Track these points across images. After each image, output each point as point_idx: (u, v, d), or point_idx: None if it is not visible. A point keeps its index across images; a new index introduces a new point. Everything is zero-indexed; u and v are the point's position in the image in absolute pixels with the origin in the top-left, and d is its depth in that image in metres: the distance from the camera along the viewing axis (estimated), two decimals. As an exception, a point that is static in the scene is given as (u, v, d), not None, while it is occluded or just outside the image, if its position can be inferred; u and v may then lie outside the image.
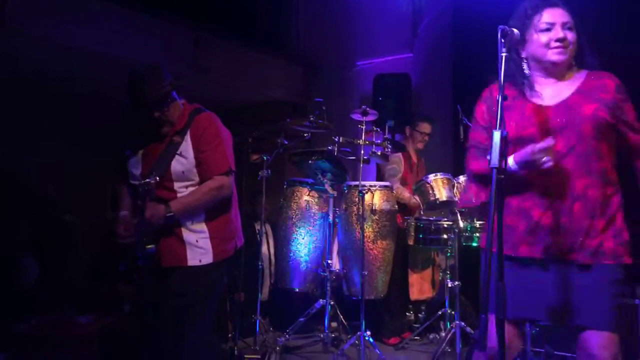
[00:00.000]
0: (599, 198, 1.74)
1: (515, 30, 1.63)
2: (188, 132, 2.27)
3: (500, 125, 1.52)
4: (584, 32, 1.85)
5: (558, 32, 1.80)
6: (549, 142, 1.67)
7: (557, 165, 1.73)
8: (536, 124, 1.78)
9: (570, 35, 1.81)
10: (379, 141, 3.65)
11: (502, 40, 1.60)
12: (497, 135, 1.49)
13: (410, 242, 3.88)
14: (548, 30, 1.80)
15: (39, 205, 4.94)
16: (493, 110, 1.83)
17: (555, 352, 3.38)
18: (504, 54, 1.59)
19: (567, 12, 1.83)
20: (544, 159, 1.67)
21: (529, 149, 1.68)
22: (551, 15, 1.81)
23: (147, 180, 2.14)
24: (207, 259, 2.25)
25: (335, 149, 3.64)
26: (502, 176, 1.49)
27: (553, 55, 1.80)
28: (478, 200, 2.11)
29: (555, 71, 1.85)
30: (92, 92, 5.13)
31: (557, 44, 1.80)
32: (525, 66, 1.87)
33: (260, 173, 3.92)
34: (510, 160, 1.75)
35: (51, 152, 5.04)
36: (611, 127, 1.78)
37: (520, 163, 1.72)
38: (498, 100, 1.55)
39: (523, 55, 1.87)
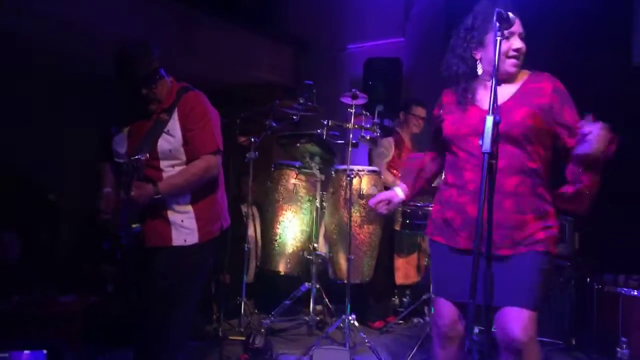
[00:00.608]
0: (529, 195, 1.83)
1: (511, 14, 1.61)
2: (176, 110, 2.22)
3: (493, 110, 1.50)
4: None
5: (517, 42, 1.85)
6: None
7: (491, 165, 1.77)
8: (471, 126, 1.86)
9: (524, 46, 1.87)
10: (368, 125, 3.63)
11: (497, 24, 1.58)
12: (489, 120, 1.47)
13: (397, 227, 3.88)
14: (507, 38, 1.82)
15: (22, 184, 4.87)
16: (439, 113, 2.03)
17: (546, 339, 3.47)
18: (499, 38, 1.57)
19: (519, 18, 1.85)
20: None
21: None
22: (517, 26, 1.84)
23: (138, 157, 2.10)
24: (193, 239, 2.22)
25: (324, 133, 3.62)
26: (494, 161, 1.47)
27: (509, 66, 1.86)
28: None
29: (504, 78, 1.90)
30: (76, 69, 5.03)
31: (514, 53, 1.85)
32: (479, 67, 1.91)
33: (247, 155, 3.89)
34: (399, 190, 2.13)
35: (35, 130, 4.95)
36: (543, 131, 1.83)
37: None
38: (492, 85, 1.53)
39: (476, 57, 1.91)
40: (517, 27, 1.84)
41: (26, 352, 2.40)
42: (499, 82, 1.86)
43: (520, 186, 1.82)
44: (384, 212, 2.22)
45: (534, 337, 1.78)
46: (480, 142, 1.49)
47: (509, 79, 1.91)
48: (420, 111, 4.28)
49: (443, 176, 3.25)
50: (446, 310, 1.94)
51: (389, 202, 2.21)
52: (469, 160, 1.87)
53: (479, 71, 1.91)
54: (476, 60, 1.91)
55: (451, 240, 1.93)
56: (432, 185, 3.58)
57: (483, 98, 1.91)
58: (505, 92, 1.89)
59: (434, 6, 5.24)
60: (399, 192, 2.22)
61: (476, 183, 1.80)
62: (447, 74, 1.97)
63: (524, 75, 1.93)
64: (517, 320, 1.75)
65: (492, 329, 1.86)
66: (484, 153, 1.47)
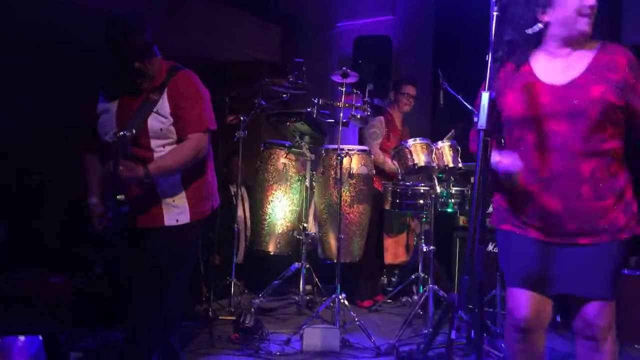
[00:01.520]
0: (606, 178, 1.72)
1: None
2: (165, 90, 2.18)
3: (489, 86, 1.48)
4: None
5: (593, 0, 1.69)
6: (518, 166, 1.69)
7: (564, 150, 1.70)
8: (544, 105, 1.72)
9: (596, 3, 1.71)
10: (359, 104, 3.60)
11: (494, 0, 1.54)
12: (485, 96, 1.45)
13: (387, 206, 3.88)
14: None
15: (7, 164, 4.79)
16: (497, 88, 1.76)
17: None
18: (495, 13, 1.54)
19: None
20: (511, 182, 1.72)
21: (503, 166, 1.72)
22: None
23: (123, 132, 2.04)
24: (184, 218, 2.20)
25: (315, 111, 3.58)
26: (489, 138, 1.46)
27: (583, 24, 1.70)
28: None
29: (577, 41, 1.75)
30: (61, 44, 4.91)
31: (588, 11, 1.69)
32: (538, 30, 1.75)
33: (236, 134, 3.84)
34: (496, 156, 1.75)
35: (19, 108, 4.84)
36: (620, 109, 1.71)
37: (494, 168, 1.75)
38: (488, 61, 1.50)
39: (546, 19, 1.74)
40: None
41: (21, 337, 2.37)
42: (564, 45, 1.74)
43: (597, 170, 1.70)
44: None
45: (613, 325, 1.77)
46: (475, 118, 1.47)
47: (580, 45, 1.75)
48: (411, 89, 4.26)
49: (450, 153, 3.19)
50: (524, 301, 1.80)
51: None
52: (536, 144, 1.72)
53: (546, 36, 1.76)
54: (542, 27, 1.74)
55: (522, 230, 1.81)
56: (425, 165, 3.60)
57: (548, 70, 1.76)
58: (576, 63, 1.74)
59: (424, -16, 5.19)
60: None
61: (548, 170, 1.70)
62: (507, 49, 1.79)
63: (595, 44, 1.76)
64: (602, 314, 1.73)
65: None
66: (479, 130, 1.45)
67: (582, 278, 1.73)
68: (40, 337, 2.32)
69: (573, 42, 1.74)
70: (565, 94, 1.70)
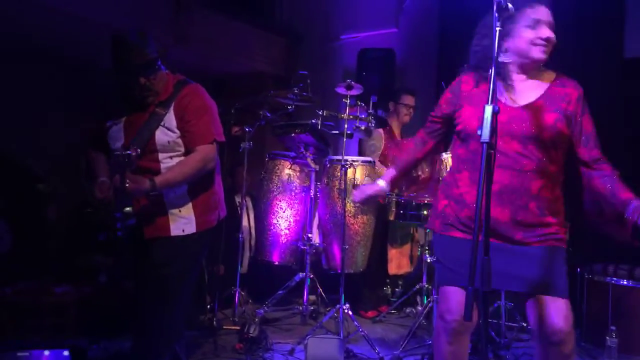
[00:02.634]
0: (550, 198, 1.86)
1: (510, 5, 1.61)
2: (172, 104, 2.21)
3: (492, 100, 1.51)
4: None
5: (545, 31, 1.82)
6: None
7: (517, 167, 1.82)
8: (500, 123, 1.78)
9: (553, 36, 1.84)
10: (363, 116, 3.63)
11: (497, 14, 1.58)
12: (488, 110, 1.48)
13: (391, 217, 3.90)
14: (534, 27, 1.82)
15: (12, 174, 4.83)
16: (453, 101, 1.96)
17: (529, 327, 3.48)
18: (498, 28, 1.57)
19: (549, 10, 1.85)
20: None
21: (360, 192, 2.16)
22: (539, 13, 1.83)
23: (128, 152, 2.08)
24: (191, 228, 2.23)
25: (319, 123, 3.62)
26: (493, 151, 1.49)
27: (536, 53, 1.83)
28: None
29: (531, 69, 1.89)
30: (66, 57, 4.97)
31: (542, 42, 1.82)
32: (503, 56, 1.89)
33: (241, 145, 3.88)
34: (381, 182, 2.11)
35: (25, 120, 4.89)
36: (567, 138, 1.86)
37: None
38: (491, 75, 1.54)
39: (505, 46, 1.88)
40: (545, 15, 1.83)
41: (46, 352, 2.39)
42: (521, 71, 1.88)
43: (543, 189, 1.84)
44: (356, 200, 2.24)
45: (572, 325, 1.81)
46: (479, 131, 1.49)
47: (535, 74, 1.90)
48: (410, 99, 4.29)
49: (444, 168, 3.25)
50: (457, 300, 1.87)
51: (379, 195, 2.20)
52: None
53: (506, 60, 1.89)
54: (502, 50, 1.89)
55: (466, 235, 1.90)
56: (428, 177, 3.62)
57: (508, 94, 1.89)
58: (532, 89, 1.89)
59: (427, -3, 5.24)
60: (381, 183, 2.17)
61: (501, 184, 1.80)
62: (474, 58, 1.94)
63: (552, 76, 1.92)
64: (560, 310, 1.78)
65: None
66: (482, 143, 1.48)
67: (532, 276, 1.80)
68: (68, 353, 2.35)
69: (528, 70, 1.89)
70: (520, 115, 1.83)
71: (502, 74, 1.88)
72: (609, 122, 1.77)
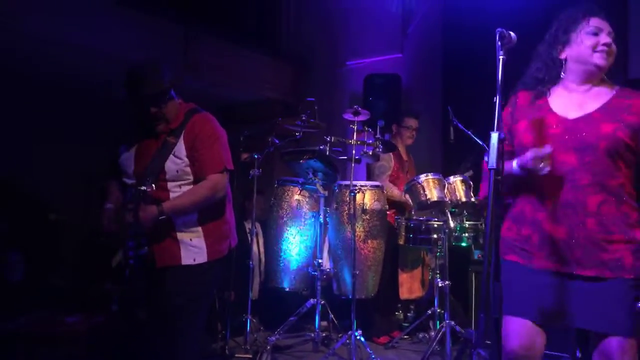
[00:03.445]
0: (614, 214, 1.75)
1: (512, 33, 1.64)
2: (182, 133, 2.25)
3: (497, 126, 1.53)
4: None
5: (605, 37, 1.82)
6: (547, 149, 1.71)
7: (572, 181, 1.76)
8: (555, 135, 1.80)
9: (614, 46, 1.85)
10: (371, 141, 3.66)
11: (499, 43, 1.61)
12: (494, 136, 1.50)
13: (401, 242, 3.90)
14: (595, 34, 1.83)
15: (24, 204, 4.88)
16: (512, 115, 1.91)
17: (552, 352, 3.43)
18: (501, 57, 1.60)
19: (608, 24, 1.86)
20: (542, 165, 1.71)
21: (530, 153, 1.73)
22: (599, 22, 1.85)
23: (143, 188, 2.12)
24: (201, 258, 2.24)
25: (327, 149, 3.65)
26: (500, 177, 1.50)
27: (598, 59, 1.82)
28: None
29: (593, 77, 1.86)
30: (80, 89, 5.08)
31: (604, 47, 1.82)
32: (563, 70, 1.88)
33: (251, 172, 3.91)
34: (514, 164, 1.80)
35: (37, 150, 4.97)
36: (630, 149, 1.78)
37: (522, 166, 1.77)
38: (495, 102, 1.56)
39: (562, 57, 1.88)
40: (605, 25, 1.84)
41: None
42: (582, 81, 1.85)
43: (603, 205, 1.75)
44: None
45: None
46: (485, 158, 1.51)
47: (597, 84, 1.87)
48: (413, 122, 4.32)
49: (451, 192, 3.21)
50: (518, 330, 1.80)
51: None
52: (548, 174, 1.75)
53: (562, 74, 1.88)
54: (562, 63, 1.88)
55: (526, 259, 1.84)
56: (438, 200, 3.62)
57: (563, 104, 1.86)
58: (593, 100, 1.85)
59: (431, 22, 5.32)
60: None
61: (555, 200, 1.75)
62: (531, 82, 1.94)
63: (614, 88, 1.87)
64: (623, 351, 1.72)
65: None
66: (490, 169, 1.49)
67: (596, 312, 1.73)
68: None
69: (590, 78, 1.85)
70: (575, 126, 1.79)
71: (555, 90, 1.88)
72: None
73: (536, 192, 1.82)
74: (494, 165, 1.48)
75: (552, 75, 1.90)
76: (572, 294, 1.75)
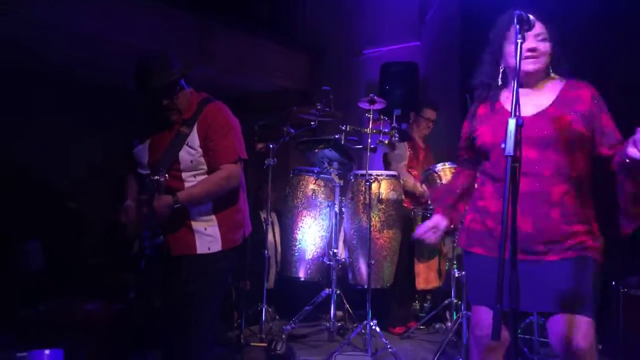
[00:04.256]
0: (576, 204, 1.80)
1: (531, 17, 1.60)
2: (196, 123, 2.25)
3: (515, 112, 1.49)
4: (561, 41, 1.89)
5: (530, 42, 1.82)
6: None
7: (535, 173, 1.79)
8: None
9: (543, 46, 1.85)
10: (387, 130, 3.62)
11: (518, 27, 1.57)
12: (512, 123, 1.46)
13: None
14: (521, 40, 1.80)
15: (44, 193, 4.95)
16: (471, 125, 2.00)
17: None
18: (519, 40, 1.56)
19: (541, 23, 1.85)
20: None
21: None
22: (536, 27, 1.81)
23: (157, 177, 2.13)
24: (216, 247, 2.24)
25: (342, 138, 3.62)
26: (517, 164, 1.46)
27: (526, 66, 1.84)
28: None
29: (530, 81, 1.90)
30: (96, 79, 5.12)
31: (529, 53, 1.83)
32: (499, 78, 1.94)
33: (266, 161, 3.91)
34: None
35: (57, 139, 5.03)
36: (587, 139, 1.82)
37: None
38: (513, 87, 1.52)
39: (502, 68, 1.93)
40: (536, 28, 1.81)
41: (46, 351, 2.45)
42: (523, 85, 1.88)
43: (566, 195, 1.79)
44: (434, 240, 2.13)
45: (594, 345, 1.75)
46: (502, 145, 1.48)
47: (536, 84, 1.91)
48: (431, 113, 4.26)
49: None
50: (487, 319, 1.81)
51: (435, 228, 2.10)
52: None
53: (499, 82, 1.94)
54: (505, 74, 1.93)
55: (492, 251, 1.85)
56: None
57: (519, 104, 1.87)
58: (541, 99, 1.89)
59: (449, 9, 5.22)
60: (440, 219, 2.11)
61: (521, 192, 1.70)
62: (482, 89, 2.01)
63: (561, 81, 1.91)
64: (579, 328, 1.72)
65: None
66: (507, 156, 1.46)
67: (554, 293, 1.75)
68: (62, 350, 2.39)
69: (530, 83, 1.90)
70: (533, 123, 1.82)
71: (502, 93, 1.95)
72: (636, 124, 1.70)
73: (500, 186, 1.81)
74: (511, 152, 1.45)
75: (497, 83, 1.96)
76: (529, 277, 1.75)
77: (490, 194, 1.91)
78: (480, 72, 2.01)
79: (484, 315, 1.86)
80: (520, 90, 1.83)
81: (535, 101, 1.88)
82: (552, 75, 1.92)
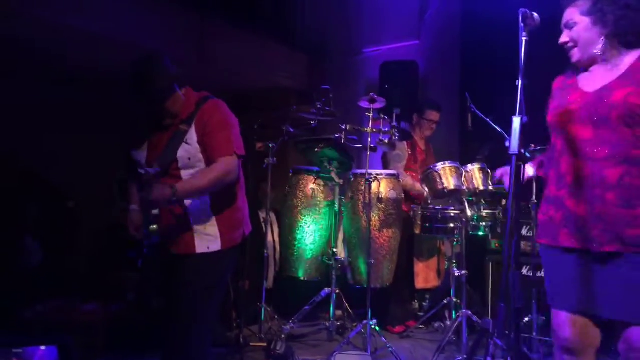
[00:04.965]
0: (636, 186, 1.64)
1: (535, 14, 1.59)
2: (194, 121, 2.23)
3: (519, 111, 1.48)
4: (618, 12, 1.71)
5: (563, 37, 1.79)
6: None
7: (589, 154, 1.69)
8: (571, 112, 1.74)
9: (570, 35, 1.77)
10: (387, 129, 3.61)
11: (522, 24, 1.55)
12: (516, 121, 1.45)
13: (417, 231, 3.85)
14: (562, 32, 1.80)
15: (43, 190, 4.93)
16: (551, 99, 1.87)
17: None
18: (524, 38, 1.55)
19: (576, 6, 1.76)
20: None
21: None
22: (564, 16, 1.79)
23: (148, 170, 2.11)
24: (216, 246, 2.23)
25: (342, 137, 3.61)
26: (522, 163, 1.45)
27: (571, 57, 1.80)
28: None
29: (588, 66, 1.81)
30: (97, 76, 5.09)
31: (565, 48, 1.80)
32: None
33: (265, 161, 3.89)
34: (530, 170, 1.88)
35: (57, 138, 5.01)
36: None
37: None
38: (518, 85, 1.51)
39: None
40: (565, 17, 1.77)
41: (41, 347, 2.43)
42: (595, 67, 1.79)
43: (625, 177, 1.64)
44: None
45: None
46: (506, 143, 1.46)
47: (617, 59, 1.75)
48: (434, 115, 4.25)
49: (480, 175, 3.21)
50: (568, 321, 1.74)
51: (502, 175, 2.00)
52: (565, 150, 1.72)
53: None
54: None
55: (553, 239, 1.77)
56: (455, 189, 3.57)
57: (588, 79, 1.80)
58: (615, 72, 1.75)
59: (449, 9, 5.22)
60: (529, 171, 2.01)
61: (572, 175, 1.69)
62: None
63: (635, 53, 1.74)
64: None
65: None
66: (511, 155, 1.44)
67: (622, 301, 1.65)
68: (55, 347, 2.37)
69: (588, 65, 1.81)
70: (591, 99, 1.72)
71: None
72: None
73: (557, 169, 1.77)
74: (516, 151, 1.43)
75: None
76: (597, 281, 1.67)
77: (553, 181, 1.82)
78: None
79: (562, 317, 1.77)
80: (595, 68, 1.78)
81: (605, 75, 1.75)
82: (621, 48, 1.74)
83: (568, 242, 1.73)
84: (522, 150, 1.46)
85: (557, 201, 1.75)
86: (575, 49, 1.77)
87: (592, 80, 1.77)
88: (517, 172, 1.43)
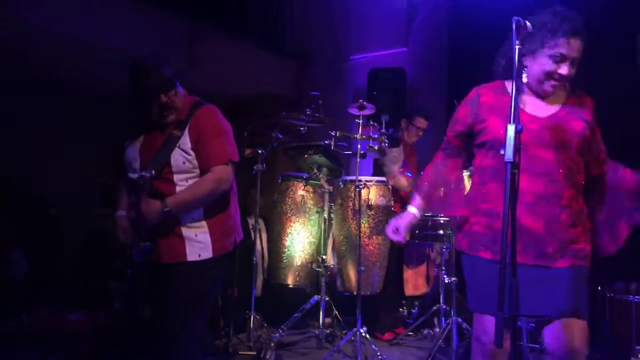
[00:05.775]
0: (578, 209, 1.84)
1: (529, 23, 1.60)
2: (187, 126, 2.21)
3: (514, 119, 1.48)
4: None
5: (565, 69, 1.79)
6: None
7: (549, 175, 1.79)
8: (533, 131, 1.81)
9: (571, 72, 1.82)
10: (376, 136, 3.61)
11: (516, 32, 1.57)
12: (511, 129, 1.46)
13: (407, 238, 3.84)
14: (557, 62, 1.79)
15: (24, 199, 4.85)
16: (473, 113, 1.91)
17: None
18: (517, 46, 1.56)
19: (583, 42, 1.80)
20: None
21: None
22: (569, 48, 1.77)
23: (143, 174, 2.08)
24: (207, 254, 2.20)
25: (332, 144, 3.60)
26: (516, 171, 1.46)
27: (548, 87, 1.83)
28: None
29: (541, 96, 1.90)
30: (82, 83, 5.03)
31: (557, 78, 1.81)
32: (524, 75, 1.86)
33: (254, 167, 3.87)
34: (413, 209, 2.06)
35: (39, 146, 4.93)
36: (590, 147, 1.87)
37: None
38: (512, 93, 1.52)
39: (525, 63, 1.85)
40: (574, 51, 1.78)
41: None
42: (533, 94, 1.89)
43: (572, 200, 1.81)
44: (402, 241, 2.13)
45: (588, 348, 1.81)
46: (502, 151, 1.47)
47: (545, 97, 1.90)
48: (423, 122, 4.27)
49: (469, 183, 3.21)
50: (492, 323, 1.76)
51: (396, 228, 2.10)
52: (526, 169, 1.75)
53: (524, 79, 1.87)
54: (523, 67, 1.86)
55: (498, 255, 1.77)
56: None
57: (530, 104, 1.88)
58: (554, 101, 1.89)
59: (437, 16, 5.26)
60: (412, 209, 2.11)
61: (533, 193, 1.78)
62: (501, 72, 1.95)
63: (565, 89, 1.92)
64: (578, 332, 1.76)
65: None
66: (506, 163, 1.45)
67: (555, 298, 1.77)
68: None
69: (538, 95, 1.89)
70: (550, 124, 1.82)
71: (521, 89, 1.88)
72: (620, 129, 1.75)
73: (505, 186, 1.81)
74: (511, 159, 1.44)
75: (519, 76, 1.87)
76: (532, 281, 1.77)
77: (495, 195, 1.85)
78: (499, 61, 1.94)
79: (490, 322, 1.84)
80: (529, 93, 1.88)
81: (544, 104, 1.88)
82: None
83: (522, 259, 1.77)
84: (518, 159, 1.46)
85: (502, 216, 1.71)
86: (559, 85, 1.84)
87: (533, 104, 1.87)
88: (512, 180, 1.44)
